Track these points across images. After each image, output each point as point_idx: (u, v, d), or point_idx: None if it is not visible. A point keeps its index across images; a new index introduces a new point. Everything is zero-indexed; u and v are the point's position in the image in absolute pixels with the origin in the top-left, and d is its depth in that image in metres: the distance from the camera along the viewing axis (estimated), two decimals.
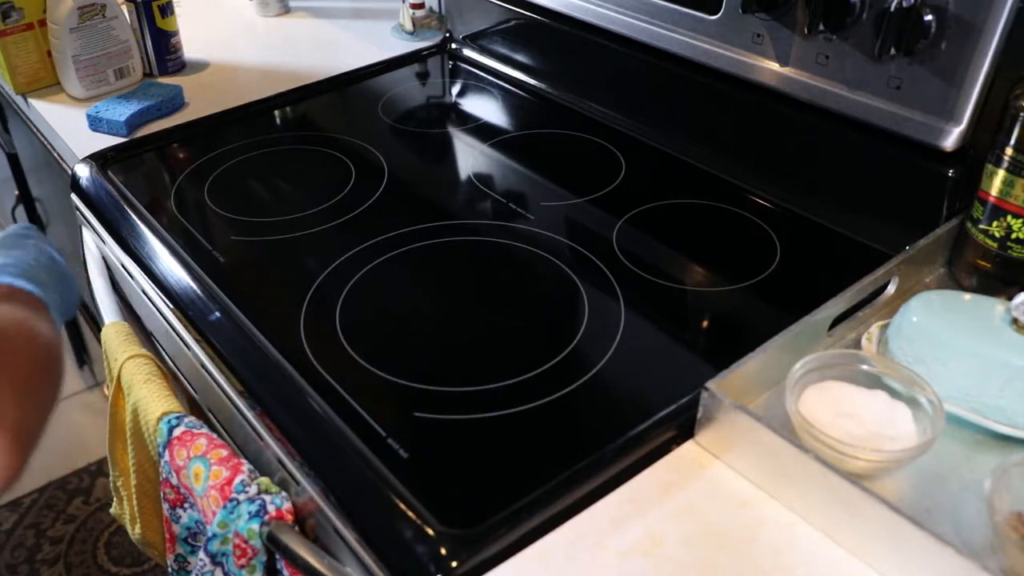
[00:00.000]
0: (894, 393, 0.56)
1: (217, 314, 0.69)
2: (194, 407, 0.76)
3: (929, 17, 0.63)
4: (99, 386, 1.86)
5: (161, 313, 0.74)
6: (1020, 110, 0.61)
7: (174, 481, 0.66)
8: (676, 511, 0.53)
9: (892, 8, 0.64)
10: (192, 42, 1.21)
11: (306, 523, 0.58)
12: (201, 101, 1.04)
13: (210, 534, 0.58)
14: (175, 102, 1.02)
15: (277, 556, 0.58)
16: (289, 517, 0.57)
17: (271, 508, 0.57)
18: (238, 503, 0.57)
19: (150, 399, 0.69)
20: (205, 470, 0.61)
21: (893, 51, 0.65)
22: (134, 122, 0.98)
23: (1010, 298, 0.58)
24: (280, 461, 0.59)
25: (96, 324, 0.85)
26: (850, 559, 0.50)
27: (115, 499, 0.86)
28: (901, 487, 0.53)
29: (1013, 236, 0.64)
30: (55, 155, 1.05)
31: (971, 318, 0.58)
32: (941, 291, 0.62)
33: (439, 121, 0.98)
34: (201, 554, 0.59)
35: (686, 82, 0.85)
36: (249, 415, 0.62)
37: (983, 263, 0.66)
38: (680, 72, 0.85)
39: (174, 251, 0.76)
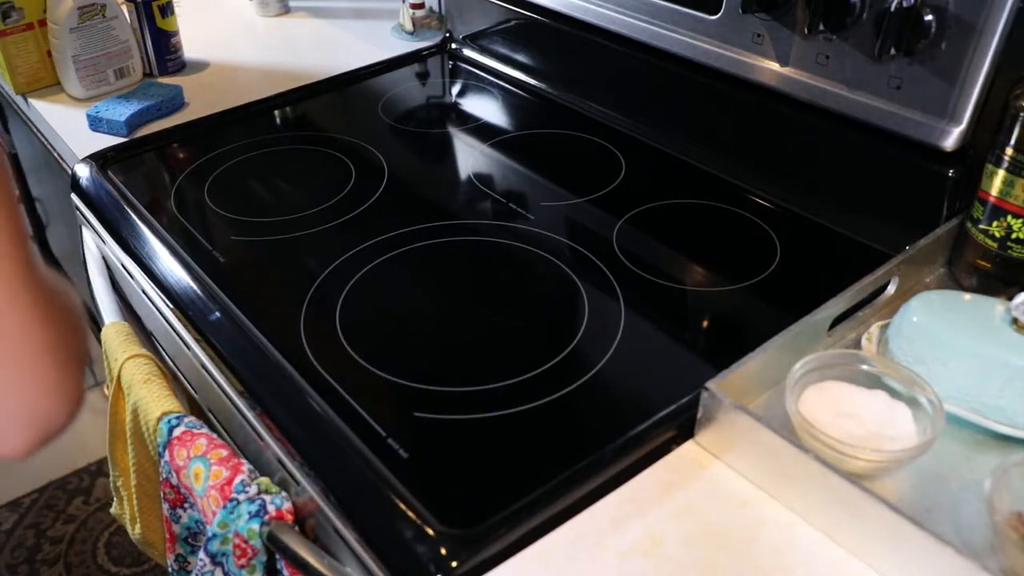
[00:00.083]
0: (894, 393, 0.56)
1: (217, 314, 0.69)
2: (194, 407, 0.76)
3: (929, 17, 0.63)
4: (99, 386, 1.86)
5: (161, 313, 0.74)
6: (1020, 110, 0.61)
7: (174, 481, 0.66)
8: (676, 511, 0.53)
9: (892, 8, 0.64)
10: (192, 42, 1.21)
11: (306, 523, 0.58)
12: (201, 101, 1.04)
13: (210, 534, 0.58)
14: (175, 102, 1.02)
15: (277, 556, 0.58)
16: (289, 517, 0.57)
17: (271, 508, 0.57)
18: (238, 503, 0.57)
19: (150, 399, 0.69)
20: (205, 470, 0.61)
21: (893, 51, 0.65)
22: (134, 122, 0.98)
23: (1010, 298, 0.58)
24: (280, 461, 0.59)
25: (96, 324, 0.85)
26: (850, 559, 0.50)
27: (115, 499, 0.86)
28: (901, 487, 0.53)
29: (1013, 236, 0.64)
30: (55, 155, 1.05)
31: (971, 318, 0.58)
32: (941, 291, 0.62)
33: (439, 121, 0.98)
34: (201, 554, 0.59)
35: (686, 82, 0.85)
36: (249, 415, 0.62)
37: (983, 263, 0.66)
38: (680, 72, 0.85)
39: (174, 251, 0.76)
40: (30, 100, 1.07)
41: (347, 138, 0.95)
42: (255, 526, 0.56)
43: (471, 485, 0.54)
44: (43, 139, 1.08)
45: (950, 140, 0.66)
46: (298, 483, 0.57)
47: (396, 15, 1.26)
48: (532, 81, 1.04)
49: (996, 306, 0.58)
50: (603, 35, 0.91)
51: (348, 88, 1.07)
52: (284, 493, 0.58)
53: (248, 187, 0.86)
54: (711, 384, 0.55)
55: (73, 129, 0.99)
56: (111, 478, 0.85)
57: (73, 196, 0.90)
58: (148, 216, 0.81)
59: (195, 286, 0.72)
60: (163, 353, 0.81)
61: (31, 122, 1.12)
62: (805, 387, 0.57)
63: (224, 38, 1.25)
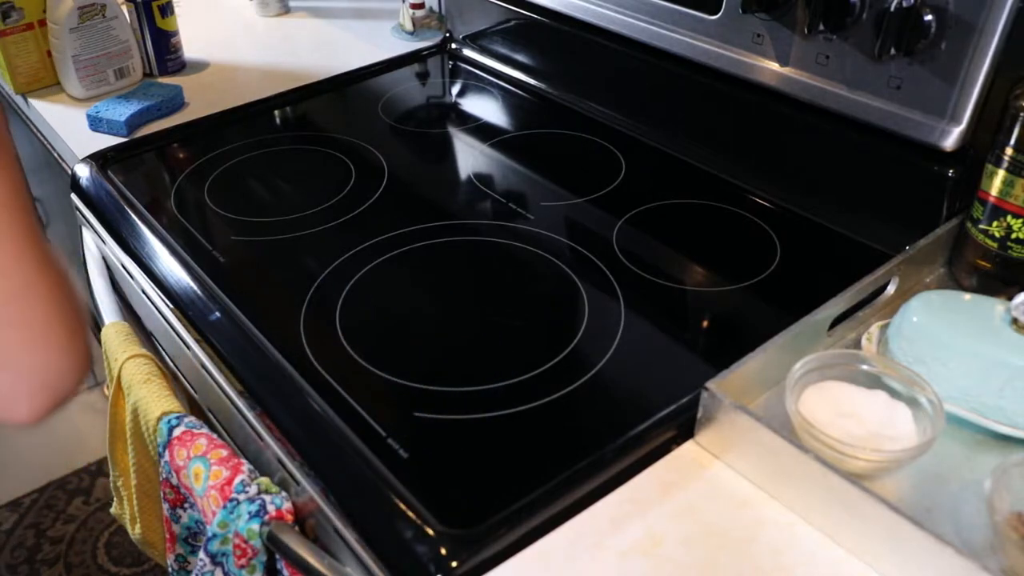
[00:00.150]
0: (894, 393, 0.56)
1: (217, 314, 0.69)
2: (194, 407, 0.76)
3: (929, 17, 0.63)
4: (99, 386, 1.86)
5: (161, 313, 0.74)
6: (1020, 110, 0.61)
7: (174, 481, 0.66)
8: (676, 511, 0.53)
9: (892, 8, 0.64)
10: (192, 42, 1.21)
11: (306, 523, 0.58)
12: (201, 101, 1.04)
13: (210, 534, 0.58)
14: (175, 102, 1.02)
15: (277, 556, 0.58)
16: (289, 517, 0.57)
17: (271, 508, 0.57)
18: (238, 503, 0.57)
19: (150, 399, 0.69)
20: (205, 470, 0.61)
21: (893, 51, 0.65)
22: (134, 122, 0.98)
23: (1010, 298, 0.58)
24: (280, 461, 0.59)
25: (96, 324, 0.85)
26: (850, 559, 0.50)
27: (115, 499, 0.86)
28: (901, 487, 0.53)
29: (1013, 236, 0.64)
30: (55, 155, 1.05)
31: (971, 318, 0.58)
32: (941, 291, 0.62)
33: (439, 121, 0.98)
34: (201, 554, 0.59)
35: (686, 82, 0.85)
36: (249, 415, 0.62)
37: (983, 263, 0.66)
38: (680, 72, 0.85)
39: (174, 251, 0.76)
40: (30, 100, 1.07)
41: (347, 138, 0.95)
42: (255, 526, 0.56)
43: (471, 485, 0.54)
44: (43, 139, 1.08)
45: (950, 140, 0.66)
46: (298, 483, 0.57)
47: (396, 15, 1.26)
48: (532, 81, 1.04)
49: (996, 306, 0.58)
50: (603, 35, 0.91)
51: (348, 88, 1.07)
52: (284, 493, 0.58)
53: (248, 187, 0.86)
54: (711, 384, 0.55)
55: (73, 129, 0.99)
56: (111, 478, 0.85)
57: (73, 196, 0.90)
58: (148, 216, 0.81)
59: (195, 286, 0.72)
60: (163, 353, 0.81)
61: (31, 122, 1.12)
62: (805, 387, 0.57)
63: (224, 38, 1.25)
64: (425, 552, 0.49)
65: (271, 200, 0.84)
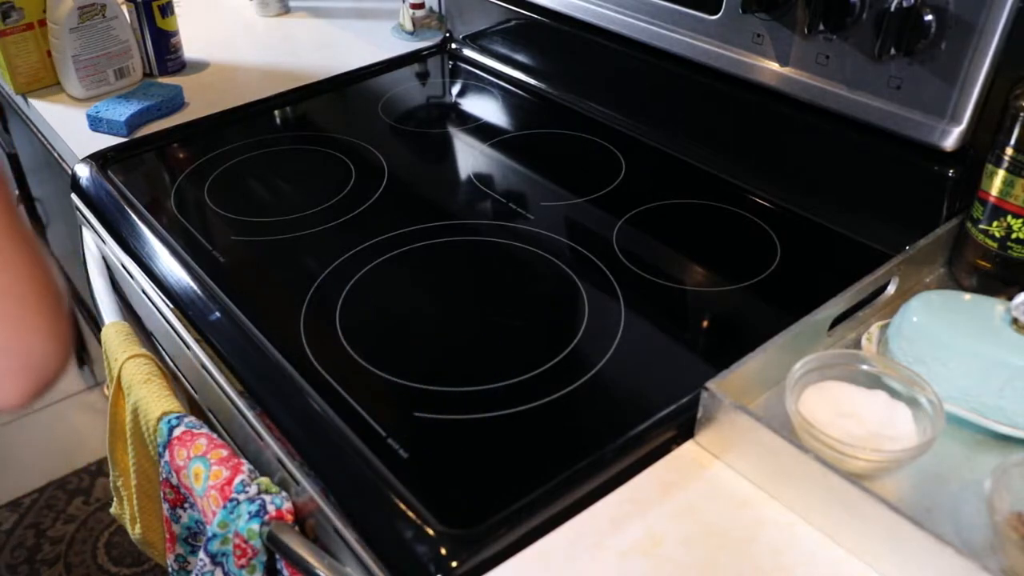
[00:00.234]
0: (894, 393, 0.56)
1: (217, 314, 0.69)
2: (194, 407, 0.76)
3: (929, 17, 0.63)
4: (99, 386, 1.86)
5: (161, 313, 0.74)
6: (1020, 110, 0.61)
7: (174, 481, 0.66)
8: (676, 511, 0.53)
9: (892, 8, 0.64)
10: (192, 42, 1.21)
11: (306, 523, 0.58)
12: (201, 101, 1.04)
13: (210, 534, 0.58)
14: (175, 102, 1.02)
15: (277, 556, 0.58)
16: (289, 517, 0.57)
17: (271, 508, 0.57)
18: (238, 503, 0.57)
19: (150, 399, 0.69)
20: (205, 470, 0.61)
21: (893, 51, 0.65)
22: (134, 122, 0.98)
23: (1010, 298, 0.58)
24: (280, 461, 0.59)
25: (96, 324, 0.85)
26: (850, 559, 0.50)
27: (115, 499, 0.86)
28: (901, 487, 0.53)
29: (1013, 236, 0.64)
30: (55, 155, 1.05)
31: (971, 318, 0.58)
32: (941, 291, 0.62)
33: (439, 121, 0.98)
34: (201, 554, 0.59)
35: (686, 82, 0.85)
36: (249, 415, 0.62)
37: (983, 263, 0.66)
38: (680, 72, 0.85)
39: (174, 251, 0.76)
40: (30, 100, 1.07)
41: (347, 138, 0.95)
42: (255, 526, 0.56)
43: (471, 485, 0.54)
44: (43, 139, 1.08)
45: (950, 140, 0.66)
46: (298, 483, 0.57)
47: (396, 15, 1.26)
48: (532, 81, 1.04)
49: (996, 306, 0.58)
50: (603, 35, 0.91)
51: (348, 88, 1.07)
52: (284, 493, 0.58)
53: (248, 187, 0.86)
54: (711, 384, 0.55)
55: (73, 129, 0.99)
56: (111, 478, 0.85)
57: (73, 196, 0.90)
58: (148, 216, 0.81)
59: (195, 286, 0.72)
60: (163, 353, 0.81)
61: (31, 122, 1.12)
62: (805, 387, 0.57)
63: (224, 38, 1.25)
64: (425, 552, 0.49)
65: (271, 200, 0.84)
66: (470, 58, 1.12)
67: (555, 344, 0.65)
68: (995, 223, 0.64)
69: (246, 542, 0.57)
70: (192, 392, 0.76)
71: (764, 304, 0.69)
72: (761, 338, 0.58)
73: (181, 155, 0.93)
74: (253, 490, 0.58)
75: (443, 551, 0.49)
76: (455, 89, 1.07)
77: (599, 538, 0.52)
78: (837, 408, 0.55)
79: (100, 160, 0.91)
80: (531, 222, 0.79)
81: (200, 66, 1.15)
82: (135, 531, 0.81)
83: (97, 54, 1.04)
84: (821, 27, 0.69)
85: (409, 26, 1.21)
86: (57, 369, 0.45)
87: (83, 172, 0.90)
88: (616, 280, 0.71)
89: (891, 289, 0.66)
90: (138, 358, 0.74)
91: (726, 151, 0.85)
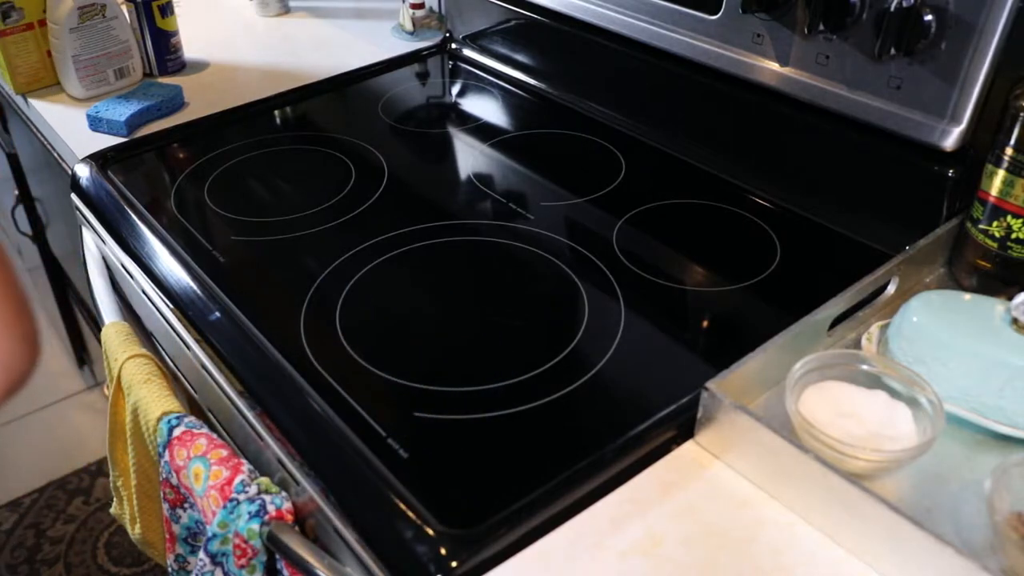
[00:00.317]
0: (894, 393, 0.56)
1: (217, 314, 0.69)
2: (194, 407, 0.76)
3: (929, 17, 0.63)
4: (99, 386, 1.86)
5: (161, 313, 0.74)
6: (1020, 110, 0.61)
7: (174, 481, 0.66)
8: (676, 511, 0.53)
9: (892, 8, 0.64)
10: (192, 42, 1.21)
11: (306, 523, 0.58)
12: (201, 101, 1.04)
13: (210, 534, 0.58)
14: (175, 102, 1.02)
15: (277, 556, 0.58)
16: (289, 517, 0.57)
17: (271, 508, 0.57)
18: (238, 503, 0.57)
19: (150, 399, 0.69)
20: (205, 470, 0.61)
21: (893, 51, 0.65)
22: (134, 122, 0.98)
23: (1010, 298, 0.58)
24: (280, 461, 0.59)
25: (96, 324, 0.85)
26: (850, 559, 0.50)
27: (115, 499, 0.86)
28: (901, 487, 0.53)
29: (1013, 236, 0.64)
30: (55, 155, 1.05)
31: (971, 318, 0.58)
32: (941, 291, 0.62)
33: (439, 121, 0.98)
34: (201, 554, 0.59)
35: (686, 82, 0.85)
36: (249, 415, 0.62)
37: (983, 263, 0.66)
38: (680, 72, 0.85)
39: (174, 251, 0.76)
40: (30, 100, 1.07)
41: (347, 138, 0.95)
42: (255, 526, 0.56)
43: (471, 485, 0.54)
44: (43, 139, 1.08)
45: (950, 140, 0.66)
46: (298, 483, 0.57)
47: (396, 15, 1.26)
48: (532, 81, 1.04)
49: (996, 306, 0.58)
50: (603, 35, 0.91)
51: (348, 88, 1.07)
52: (284, 493, 0.58)
53: (248, 187, 0.86)
54: (711, 384, 0.55)
55: (73, 129, 0.99)
56: (111, 478, 0.85)
57: (73, 196, 0.90)
58: (148, 216, 0.81)
59: (195, 286, 0.72)
60: (163, 353, 0.81)
61: (31, 122, 1.12)
62: (805, 387, 0.57)
63: (224, 38, 1.25)
64: (425, 552, 0.49)
65: (271, 200, 0.84)
66: (470, 58, 1.12)
67: (555, 344, 0.65)
68: (995, 223, 0.64)
69: (246, 542, 0.57)
70: (192, 392, 0.76)
71: (764, 304, 0.69)
72: (761, 338, 0.58)
73: (181, 155, 0.93)
74: (253, 490, 0.58)
75: (443, 551, 0.49)
76: (455, 89, 1.07)
77: (599, 538, 0.52)
78: (837, 408, 0.55)
79: (100, 160, 0.91)
80: (531, 222, 0.79)
81: (200, 66, 1.15)
82: (135, 531, 0.81)
83: (97, 54, 1.04)
84: (821, 27, 0.69)
85: (409, 26, 1.21)
86: (25, 371, 0.45)
87: (83, 172, 0.90)
88: (616, 280, 0.71)
89: (891, 289, 0.66)
90: (138, 358, 0.74)
91: (726, 151, 0.85)
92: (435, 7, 1.25)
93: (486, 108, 1.01)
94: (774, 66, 0.75)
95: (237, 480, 0.59)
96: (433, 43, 1.17)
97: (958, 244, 0.69)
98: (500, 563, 0.50)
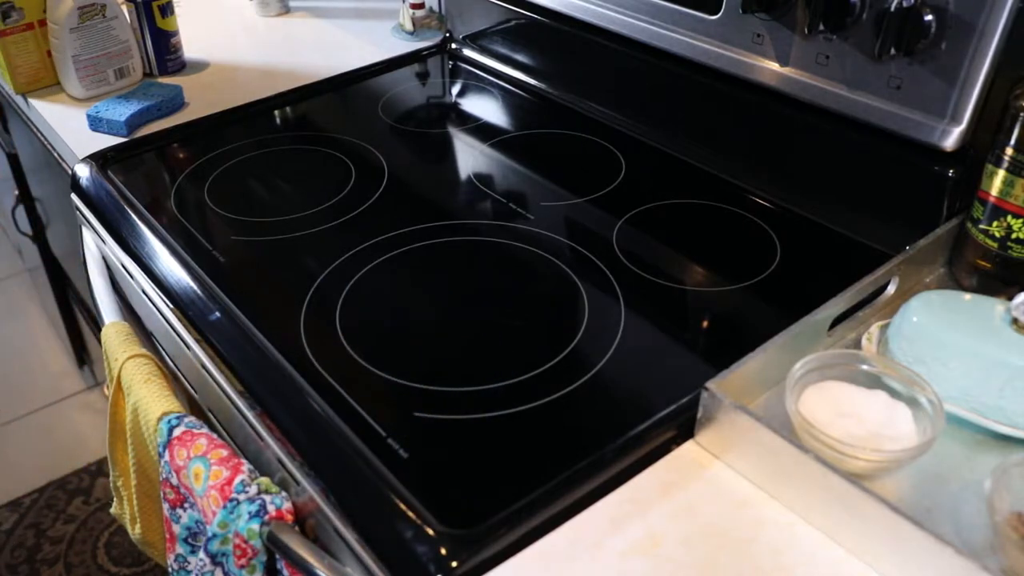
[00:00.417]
0: (894, 393, 0.56)
1: (217, 314, 0.69)
2: (194, 407, 0.76)
3: (929, 17, 0.63)
4: (99, 386, 1.86)
5: (161, 313, 0.74)
6: (1020, 110, 0.61)
7: (174, 481, 0.66)
8: (676, 511, 0.53)
9: (892, 8, 0.64)
10: (192, 42, 1.21)
11: (306, 523, 0.58)
12: (201, 101, 1.04)
13: (210, 534, 0.58)
14: (175, 102, 1.02)
15: (277, 556, 0.58)
16: (289, 517, 0.57)
17: (271, 508, 0.57)
18: (238, 503, 0.57)
19: (150, 399, 0.69)
20: (205, 470, 0.61)
21: (893, 51, 0.65)
22: (134, 122, 0.98)
23: (1010, 298, 0.58)
24: (280, 461, 0.59)
25: (96, 324, 0.85)
26: (850, 559, 0.50)
27: (115, 499, 0.86)
28: (901, 487, 0.53)
29: (1013, 236, 0.64)
30: (55, 155, 1.05)
31: (971, 318, 0.58)
32: (941, 291, 0.62)
33: (439, 121, 0.98)
34: (201, 554, 0.59)
35: (686, 82, 0.85)
36: (249, 415, 0.62)
37: (983, 263, 0.66)
38: (680, 72, 0.85)
39: (174, 251, 0.76)
40: (30, 100, 1.07)
41: (347, 138, 0.95)
42: (255, 526, 0.56)
43: (471, 485, 0.54)
44: (43, 139, 1.09)
45: (950, 140, 0.66)
46: (298, 483, 0.57)
47: (396, 15, 1.26)
48: (532, 81, 1.04)
49: (996, 306, 0.58)
50: (603, 35, 0.91)
51: (348, 88, 1.07)
52: (284, 493, 0.58)
53: (248, 187, 0.86)
54: (711, 384, 0.55)
55: (73, 129, 0.99)
56: (111, 478, 0.85)
57: (73, 196, 0.90)
58: (148, 216, 0.81)
59: (195, 286, 0.72)
60: (163, 353, 0.81)
61: (31, 122, 1.12)
62: (805, 387, 0.57)
63: (224, 38, 1.25)
64: (425, 552, 0.49)
65: (271, 200, 0.84)
66: (470, 58, 1.12)
67: (555, 344, 0.65)
68: (995, 223, 0.64)
69: (246, 542, 0.57)
70: (192, 392, 0.76)
71: (764, 304, 0.69)
72: (761, 338, 0.58)
73: (181, 155, 0.93)
74: (253, 490, 0.58)
75: (443, 551, 0.49)
76: (455, 89, 1.07)
77: (599, 538, 0.52)
78: (837, 408, 0.55)
79: (100, 160, 0.91)
80: (531, 222, 0.79)
81: (200, 66, 1.15)
82: (135, 531, 0.81)
83: (97, 54, 1.04)
84: (821, 27, 0.69)
85: (409, 26, 1.21)
86: None
87: (83, 172, 0.90)
88: (616, 280, 0.71)
89: (891, 289, 0.66)
90: (138, 358, 0.74)
91: (726, 151, 0.85)
92: (435, 7, 1.25)
93: (486, 108, 1.01)
94: (774, 66, 0.75)
95: (237, 480, 0.59)
96: (433, 43, 1.17)
97: (958, 244, 0.69)
98: (500, 563, 0.50)
